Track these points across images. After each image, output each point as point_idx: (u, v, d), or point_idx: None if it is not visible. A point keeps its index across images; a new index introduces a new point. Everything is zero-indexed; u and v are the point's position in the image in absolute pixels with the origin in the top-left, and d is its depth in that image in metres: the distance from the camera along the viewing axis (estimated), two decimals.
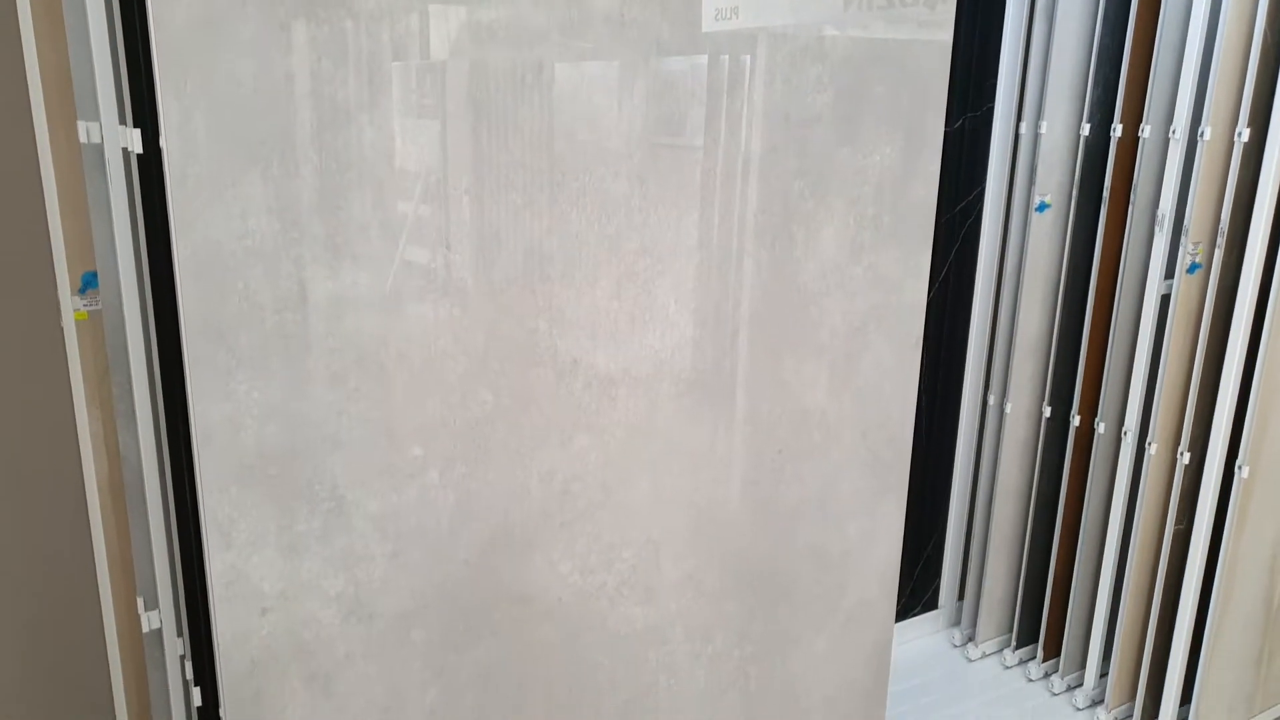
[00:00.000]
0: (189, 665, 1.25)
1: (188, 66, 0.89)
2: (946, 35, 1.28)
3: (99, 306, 1.44)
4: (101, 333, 1.46)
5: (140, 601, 1.35)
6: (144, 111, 1.05)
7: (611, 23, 1.05)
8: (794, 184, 1.23)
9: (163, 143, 0.93)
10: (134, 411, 1.26)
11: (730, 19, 1.12)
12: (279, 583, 1.02)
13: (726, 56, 1.13)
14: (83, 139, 1.17)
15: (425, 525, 1.09)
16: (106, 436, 1.49)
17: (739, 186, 1.19)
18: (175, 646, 1.31)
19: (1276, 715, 2.23)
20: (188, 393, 0.97)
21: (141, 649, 1.58)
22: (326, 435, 1.02)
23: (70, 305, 1.43)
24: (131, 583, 1.56)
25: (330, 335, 0.99)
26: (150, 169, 1.07)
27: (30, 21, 1.27)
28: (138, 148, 1.05)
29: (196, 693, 1.19)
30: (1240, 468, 1.90)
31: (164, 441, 1.23)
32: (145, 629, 1.33)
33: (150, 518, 1.28)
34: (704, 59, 1.12)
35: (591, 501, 1.20)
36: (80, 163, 1.40)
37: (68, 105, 1.33)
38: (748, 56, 1.14)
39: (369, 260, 1.00)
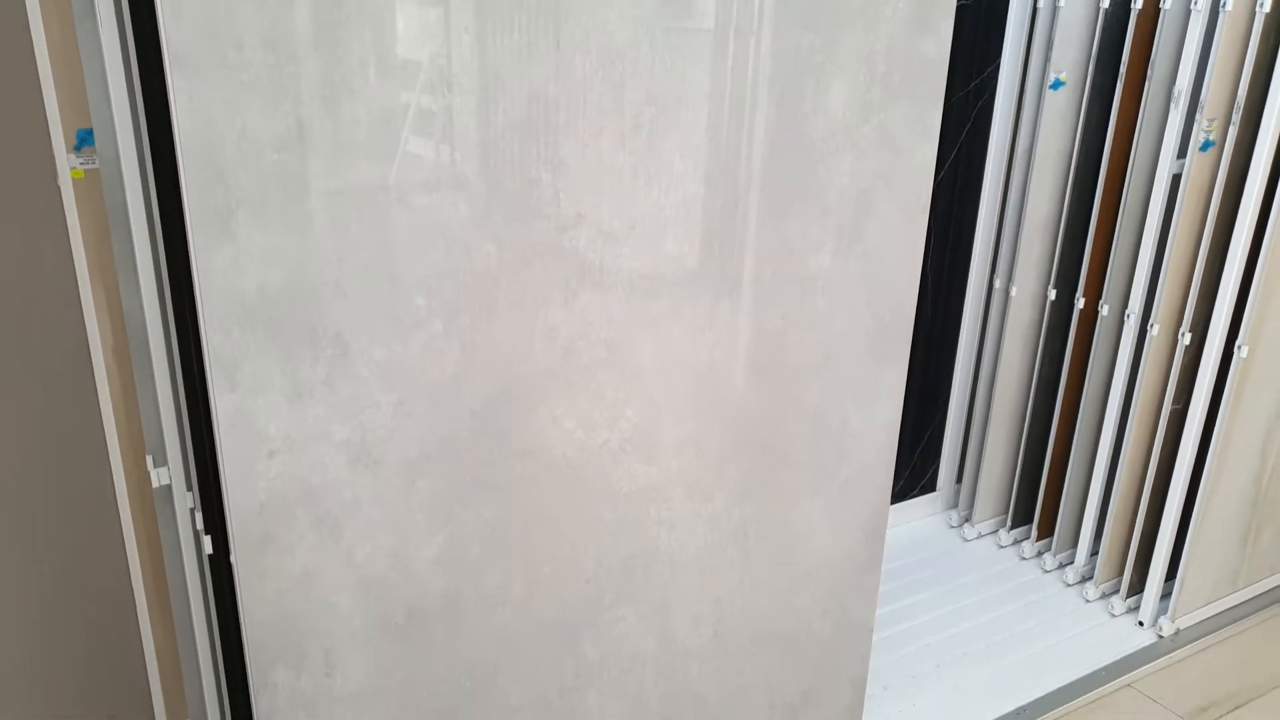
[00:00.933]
0: (199, 516, 1.27)
1: None
2: None
3: (96, 165, 1.42)
4: (100, 191, 1.44)
5: (149, 459, 1.37)
6: None
7: None
8: (804, 36, 1.19)
9: None
10: (136, 268, 1.25)
11: None
12: (285, 427, 1.03)
13: None
14: None
15: (430, 376, 1.09)
16: (109, 297, 1.48)
17: (749, 36, 1.15)
18: (185, 500, 1.33)
19: (1259, 591, 2.29)
20: (188, 234, 0.96)
21: (152, 506, 1.60)
22: (328, 281, 1.01)
23: (67, 164, 1.41)
24: (140, 442, 1.58)
25: (330, 176, 0.97)
26: (142, 8, 1.04)
27: None
28: None
29: (207, 541, 1.21)
30: (1240, 348, 1.90)
31: (167, 297, 1.22)
32: (155, 484, 1.35)
33: (156, 376, 1.28)
34: None
35: (594, 360, 1.19)
36: (70, 15, 1.36)
37: None
38: None
39: (367, 100, 0.97)
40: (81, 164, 1.41)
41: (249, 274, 0.96)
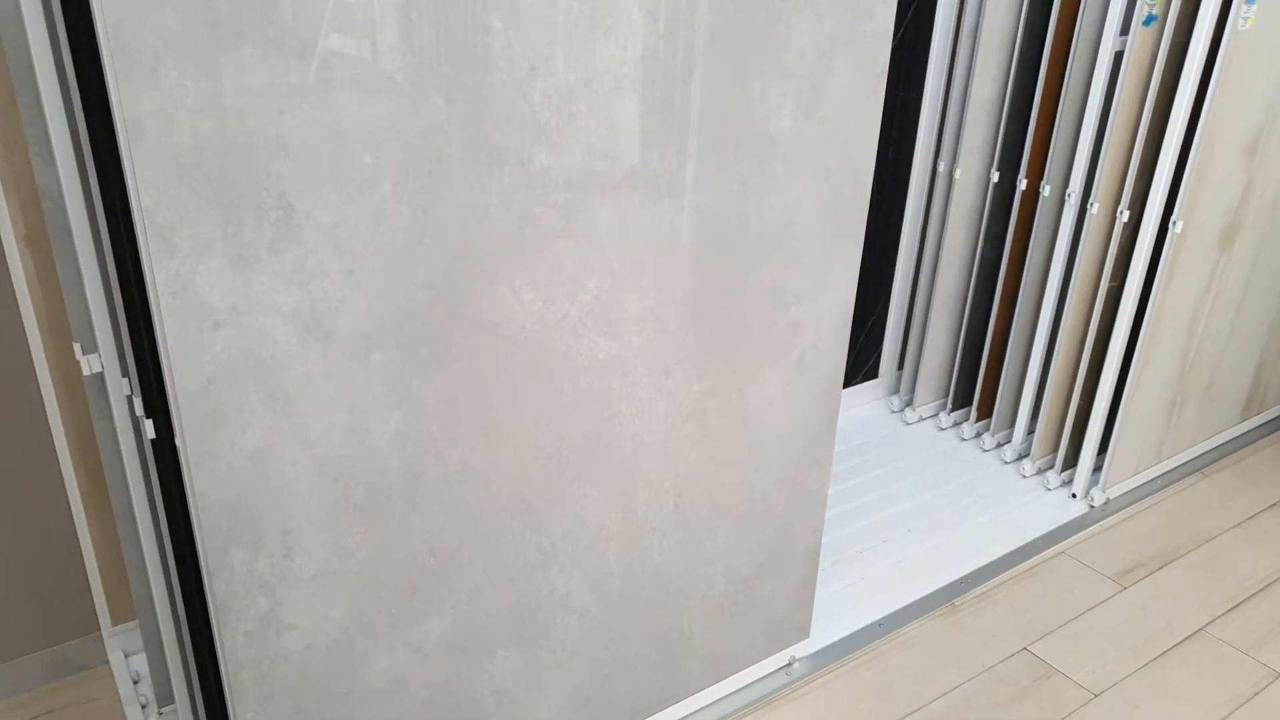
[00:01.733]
0: (138, 402, 1.20)
1: None
2: None
3: None
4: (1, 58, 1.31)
5: (77, 347, 1.28)
6: None
7: None
8: None
9: None
10: (49, 137, 1.15)
11: None
12: (229, 296, 0.97)
13: None
14: None
15: (381, 242, 1.04)
16: (17, 175, 1.37)
17: None
18: (120, 387, 1.26)
19: (1181, 461, 2.39)
20: (109, 86, 0.87)
21: (82, 397, 1.52)
22: (269, 136, 0.93)
23: None
24: (63, 331, 1.48)
25: (266, 25, 0.89)
26: None
27: None
28: None
29: (149, 425, 1.15)
30: (1175, 223, 1.93)
31: (89, 166, 1.13)
32: (86, 372, 1.27)
33: (80, 257, 1.19)
34: None
35: (552, 228, 1.15)
36: None
37: None
38: None
39: None
40: None
41: (182, 125, 0.89)
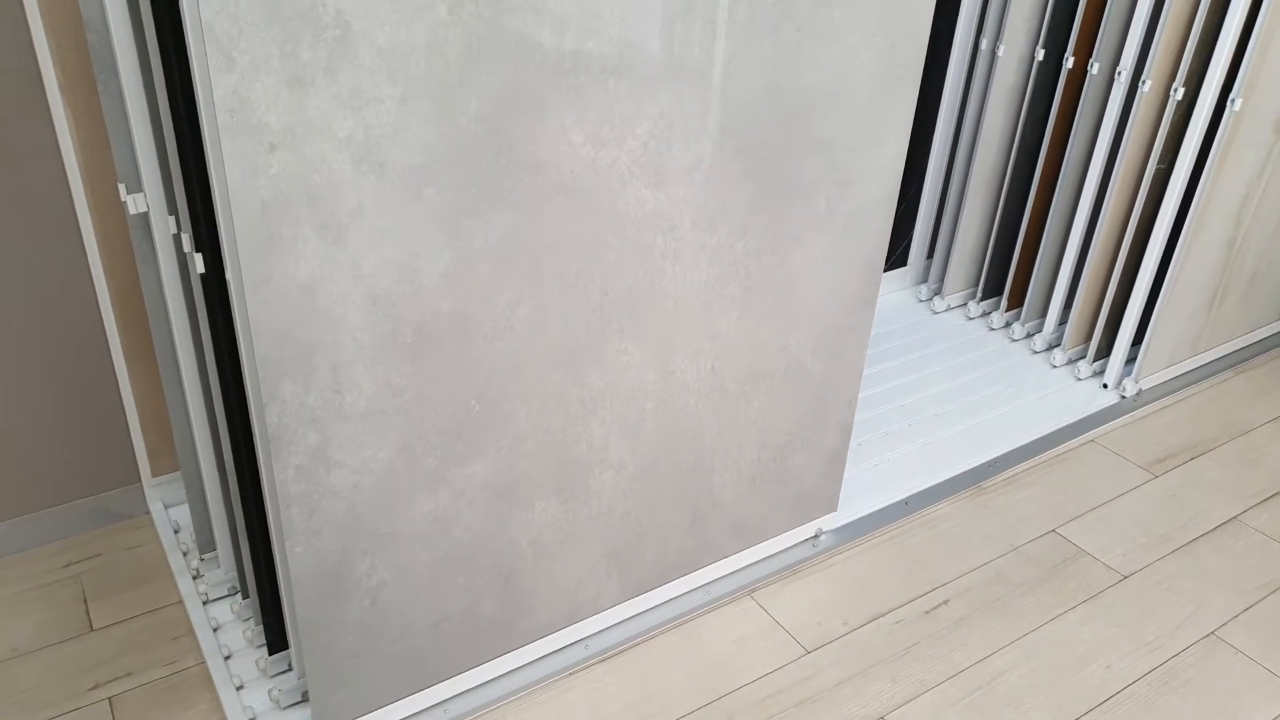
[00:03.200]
0: (187, 238, 1.22)
1: None
2: None
3: None
4: None
5: (122, 187, 1.30)
6: None
7: None
8: None
9: None
10: None
11: None
12: (285, 116, 0.97)
13: None
14: None
15: (435, 70, 1.04)
16: (57, 14, 1.37)
17: None
18: (166, 226, 1.27)
19: (1219, 355, 2.40)
20: None
21: (123, 239, 1.54)
22: None
23: None
24: (103, 174, 1.49)
25: None
26: None
27: None
28: None
29: (198, 259, 1.17)
30: (1234, 100, 1.90)
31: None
32: (132, 212, 1.29)
33: (126, 88, 1.19)
34: None
35: (605, 66, 1.14)
36: None
37: None
38: None
39: None
40: None
41: None
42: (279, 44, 0.94)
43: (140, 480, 1.74)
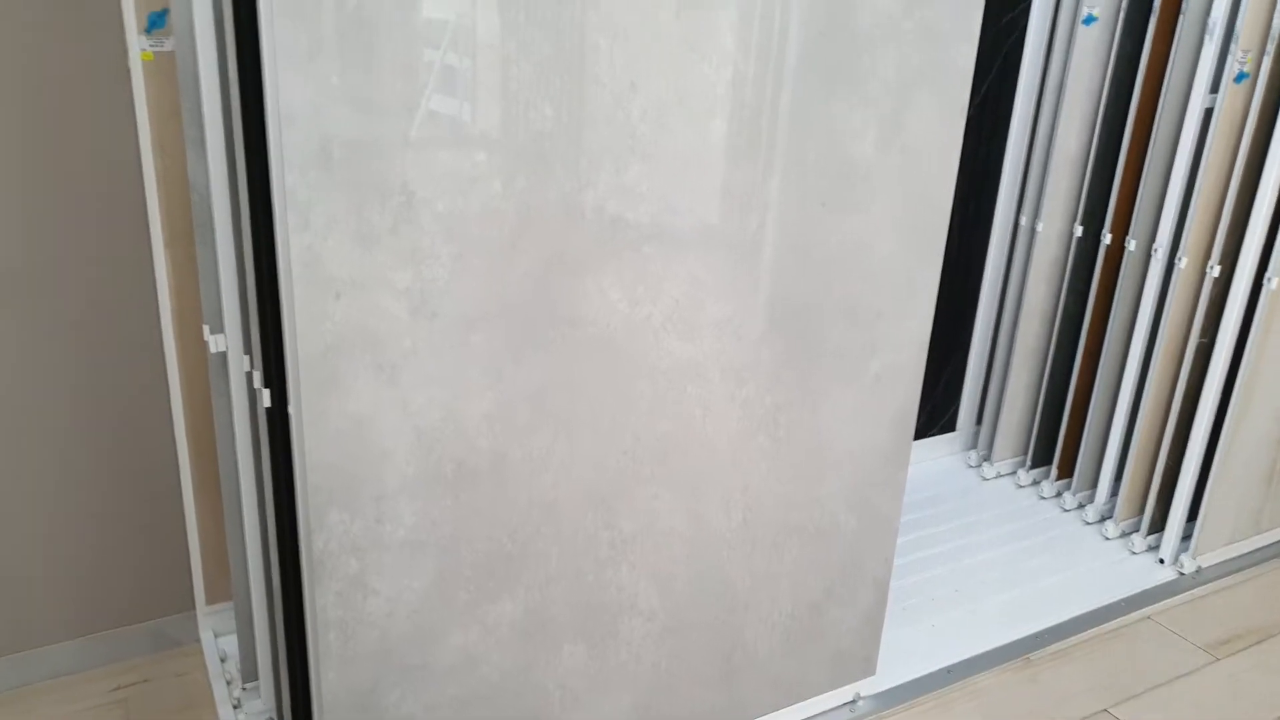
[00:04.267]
0: (257, 374, 1.35)
1: None
2: None
3: (166, 46, 1.50)
4: (166, 73, 1.52)
5: (206, 328, 1.45)
6: None
7: None
8: None
9: None
10: (204, 140, 1.33)
11: None
12: (351, 269, 1.11)
13: None
14: None
15: (488, 234, 1.17)
16: (170, 173, 1.57)
17: None
18: (241, 363, 1.41)
19: None
20: (264, 77, 1.04)
21: (201, 379, 1.69)
22: (398, 130, 1.08)
23: (137, 45, 1.49)
24: (191, 316, 1.66)
25: (405, 25, 1.05)
26: None
27: None
28: None
29: (265, 394, 1.29)
30: (1270, 279, 1.96)
31: (238, 166, 1.30)
32: (212, 350, 1.43)
33: (219, 242, 1.36)
34: None
35: (641, 233, 1.27)
36: None
37: None
38: None
39: None
40: (151, 46, 1.49)
41: (326, 114, 1.04)
42: (350, 208, 1.09)
43: (195, 608, 1.82)
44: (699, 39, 1.21)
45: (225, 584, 1.83)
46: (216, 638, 1.83)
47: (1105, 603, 2.08)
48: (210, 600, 1.83)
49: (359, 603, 1.25)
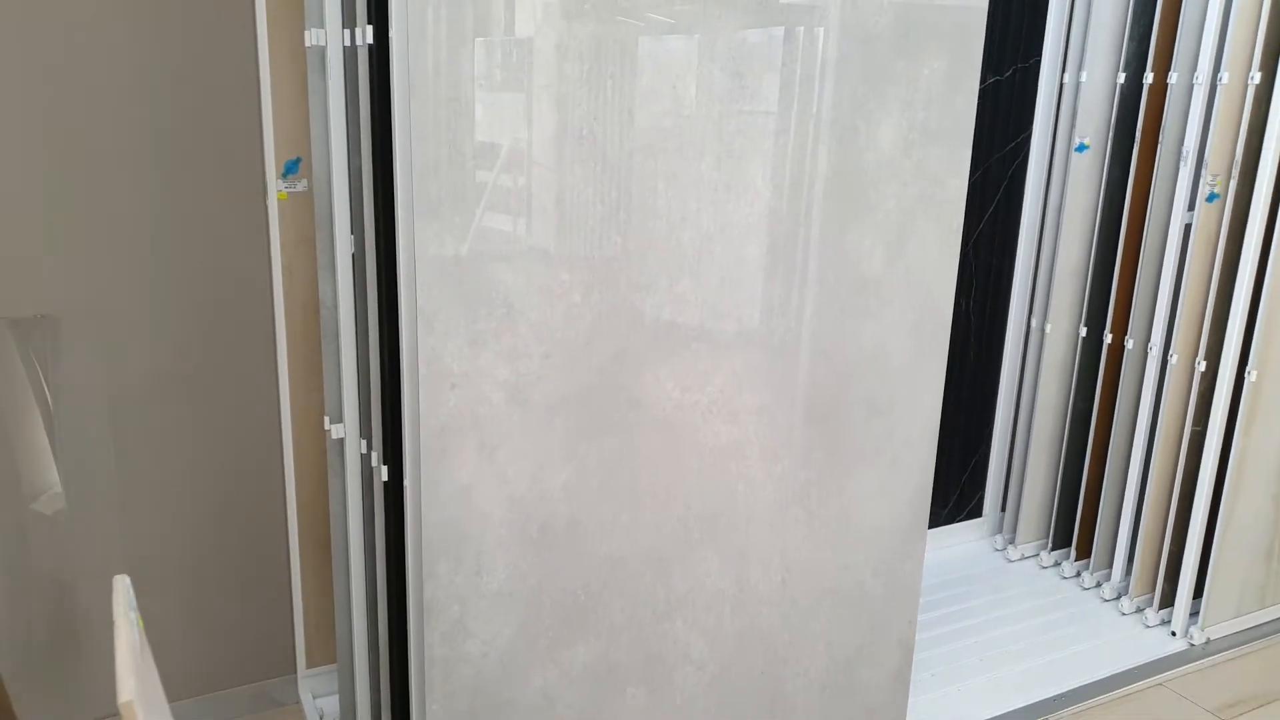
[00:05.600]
0: (375, 454, 1.66)
1: None
2: None
3: (298, 188, 1.87)
4: (297, 212, 1.88)
5: (326, 419, 1.77)
6: (372, 15, 1.46)
7: None
8: (858, 88, 1.60)
9: (393, 34, 1.33)
10: (334, 263, 1.67)
11: None
12: (464, 365, 1.42)
13: None
14: (308, 43, 1.58)
15: (569, 336, 1.48)
16: (297, 292, 1.91)
17: (815, 87, 1.56)
18: (357, 446, 1.72)
19: None
20: (397, 220, 1.38)
21: (312, 464, 2.00)
22: (502, 256, 1.41)
23: (274, 187, 1.86)
24: (309, 411, 1.98)
25: (510, 181, 1.39)
26: (374, 62, 1.48)
27: None
28: (369, 40, 1.46)
29: (384, 470, 1.59)
30: (1250, 373, 2.21)
31: (367, 286, 1.64)
32: (332, 437, 1.75)
33: (342, 351, 1.69)
34: None
35: (690, 335, 1.58)
36: (290, 65, 1.82)
37: (294, 16, 1.75)
38: None
39: (541, 128, 1.39)
40: (285, 188, 1.86)
41: (448, 245, 1.37)
42: (464, 316, 1.41)
43: (296, 671, 2.09)
44: (734, 181, 1.54)
45: (325, 649, 2.10)
46: (315, 699, 2.08)
47: (1120, 670, 2.27)
48: (310, 664, 2.10)
49: (459, 643, 1.52)
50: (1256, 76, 2.14)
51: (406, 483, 1.52)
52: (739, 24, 1.48)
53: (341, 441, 1.77)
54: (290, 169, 1.85)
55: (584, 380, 1.51)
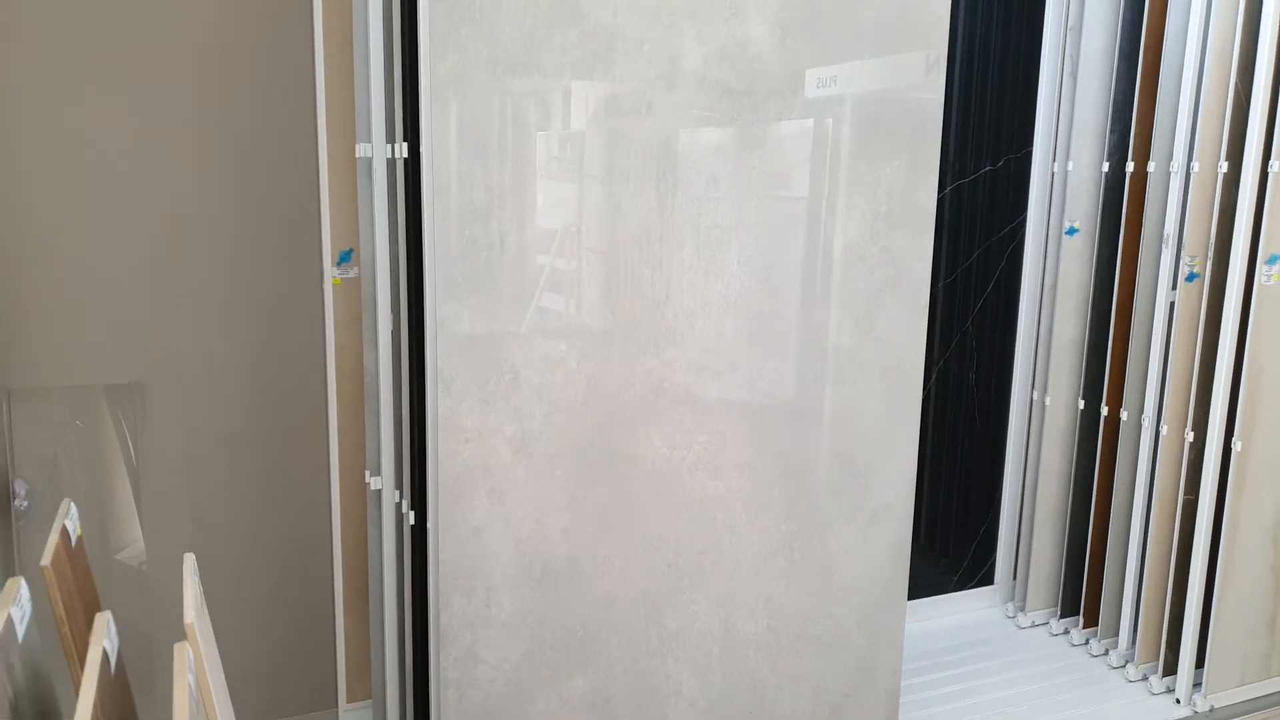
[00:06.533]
0: (405, 502, 1.94)
1: (445, 104, 1.61)
2: (938, 88, 1.91)
3: (350, 275, 2.20)
4: (348, 295, 2.21)
5: (367, 472, 2.06)
6: (408, 134, 1.79)
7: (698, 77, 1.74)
8: (825, 184, 1.87)
9: (423, 150, 1.65)
10: (377, 339, 1.98)
11: (769, 84, 1.79)
12: (475, 423, 1.70)
13: (774, 98, 1.80)
14: (358, 154, 1.92)
15: (567, 397, 1.75)
16: (345, 362, 2.23)
17: (787, 184, 1.84)
18: (392, 496, 2.01)
19: None
20: (425, 300, 1.68)
21: (358, 512, 2.29)
22: (509, 330, 1.70)
23: (330, 273, 2.19)
24: (352, 466, 2.28)
25: (517, 269, 1.68)
26: (409, 171, 1.80)
27: (323, 76, 2.06)
28: (404, 154, 1.79)
29: (411, 515, 1.87)
30: (1235, 443, 2.37)
31: (403, 356, 1.94)
32: (371, 489, 2.03)
33: (382, 413, 1.99)
34: (765, 102, 1.79)
35: (676, 397, 1.83)
36: (341, 171, 2.17)
37: (348, 131, 2.11)
38: (790, 96, 1.80)
39: (539, 228, 1.69)
40: (339, 274, 2.19)
41: (463, 321, 1.67)
42: (477, 380, 1.69)
43: (337, 705, 2.35)
44: (712, 266, 1.81)
45: (363, 685, 2.36)
46: None
47: None
48: (351, 699, 2.35)
49: (470, 668, 1.77)
50: (1224, 165, 2.34)
51: (429, 526, 1.79)
52: (715, 134, 1.77)
53: (379, 493, 2.06)
54: (344, 259, 2.19)
55: (580, 436, 1.78)
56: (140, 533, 2.19)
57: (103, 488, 2.13)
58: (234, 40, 2.02)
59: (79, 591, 1.40)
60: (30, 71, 1.89)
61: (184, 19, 1.98)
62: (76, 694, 1.14)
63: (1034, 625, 2.87)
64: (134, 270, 2.04)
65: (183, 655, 1.10)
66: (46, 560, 1.29)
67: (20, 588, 1.22)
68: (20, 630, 1.19)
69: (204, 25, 1.99)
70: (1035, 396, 2.82)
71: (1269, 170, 2.27)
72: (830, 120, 1.84)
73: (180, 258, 2.07)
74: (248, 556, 2.23)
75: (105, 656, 1.21)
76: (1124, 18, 2.58)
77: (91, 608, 1.46)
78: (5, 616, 1.14)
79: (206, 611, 1.48)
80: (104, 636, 1.20)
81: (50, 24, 1.89)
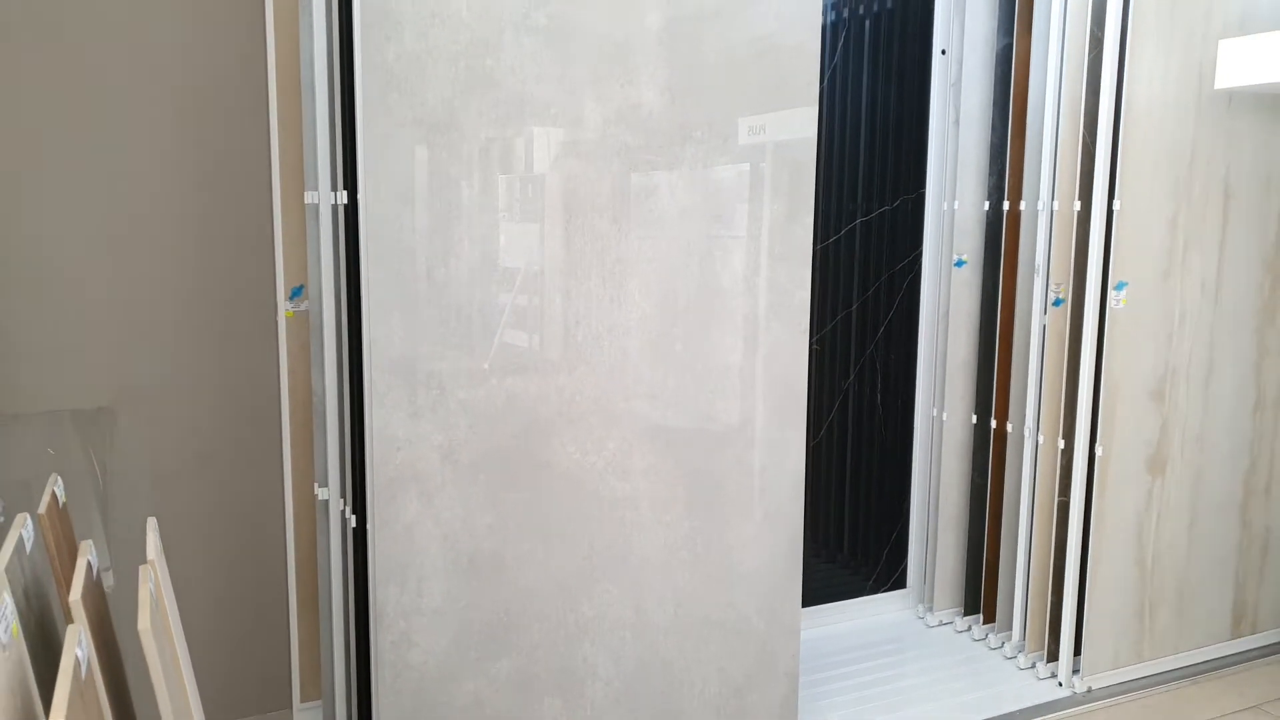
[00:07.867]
0: (348, 509, 2.22)
1: (377, 158, 1.93)
2: (811, 140, 2.26)
3: (301, 308, 2.50)
4: (299, 326, 2.51)
5: (315, 484, 2.35)
6: (347, 183, 2.11)
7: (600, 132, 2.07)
8: (713, 226, 2.20)
9: (360, 197, 1.97)
10: (323, 364, 2.28)
11: (673, 130, 2.12)
12: (406, 433, 2.00)
13: (666, 151, 2.13)
14: (308, 201, 2.24)
15: (489, 410, 2.06)
16: (301, 387, 2.53)
17: (678, 223, 2.17)
18: (338, 505, 2.29)
19: (1169, 667, 2.93)
20: (363, 326, 1.98)
21: (308, 520, 2.57)
22: (435, 351, 2.00)
23: (283, 307, 2.50)
24: (304, 479, 2.57)
25: (442, 298, 2.00)
26: (349, 215, 2.12)
27: (277, 133, 2.38)
28: (345, 201, 2.11)
29: (353, 519, 2.16)
30: (1098, 448, 2.71)
31: (344, 379, 2.24)
32: (319, 499, 2.32)
33: (329, 431, 2.28)
34: (658, 155, 2.12)
35: (586, 409, 2.14)
36: (293, 215, 2.48)
37: (298, 180, 2.42)
38: (680, 149, 2.14)
39: (463, 261, 2.00)
40: (292, 308, 2.49)
41: (394, 343, 1.97)
42: (406, 394, 2.00)
43: (291, 705, 2.61)
44: (617, 294, 2.13)
45: (315, 686, 2.62)
46: None
47: (1005, 712, 2.69)
48: (304, 699, 2.61)
49: (405, 651, 2.05)
50: (1078, 204, 2.71)
51: (369, 527, 2.08)
52: (615, 182, 2.10)
53: (326, 502, 2.35)
54: (295, 293, 2.49)
55: (502, 444, 2.08)
56: (108, 556, 2.46)
57: (71, 512, 2.40)
58: (195, 99, 2.34)
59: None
60: None
61: (158, 67, 2.29)
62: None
63: (941, 624, 3.18)
64: (102, 302, 2.33)
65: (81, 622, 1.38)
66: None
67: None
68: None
69: (172, 88, 2.31)
70: (935, 413, 3.16)
71: (1113, 208, 2.64)
72: (719, 169, 2.18)
73: (147, 292, 2.36)
74: (206, 567, 2.50)
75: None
76: (996, 75, 2.96)
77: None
78: None
79: (173, 590, 1.73)
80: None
81: (13, 64, 2.20)
